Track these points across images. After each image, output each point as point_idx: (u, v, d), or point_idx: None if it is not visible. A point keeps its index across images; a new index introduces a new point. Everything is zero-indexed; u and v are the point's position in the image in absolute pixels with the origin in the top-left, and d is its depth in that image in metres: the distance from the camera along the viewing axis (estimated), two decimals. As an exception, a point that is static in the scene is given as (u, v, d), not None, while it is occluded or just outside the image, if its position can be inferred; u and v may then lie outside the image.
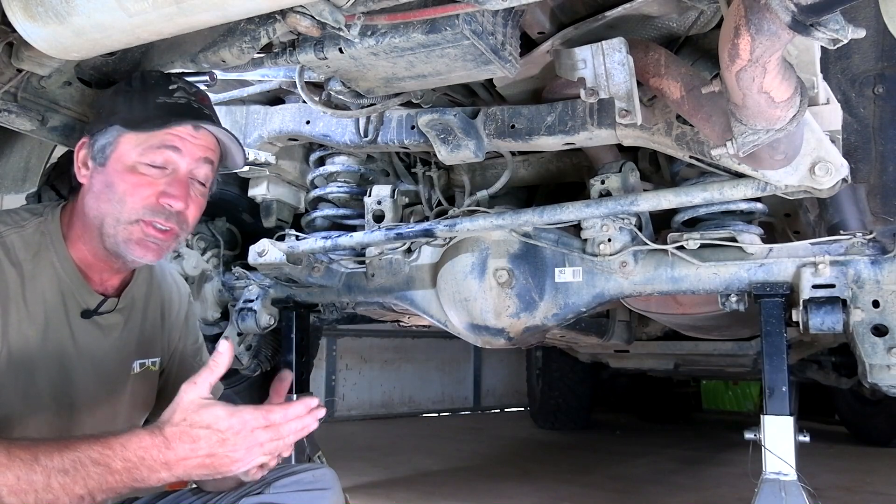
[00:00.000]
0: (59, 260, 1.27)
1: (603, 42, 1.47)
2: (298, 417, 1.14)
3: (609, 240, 1.92)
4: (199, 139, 1.29)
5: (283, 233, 2.35)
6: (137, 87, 1.30)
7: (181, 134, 1.27)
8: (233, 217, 2.75)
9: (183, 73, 1.46)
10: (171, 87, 1.30)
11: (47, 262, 1.25)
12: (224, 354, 1.11)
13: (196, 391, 1.08)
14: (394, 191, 2.25)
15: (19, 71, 1.43)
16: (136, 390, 1.42)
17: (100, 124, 1.28)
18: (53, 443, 1.01)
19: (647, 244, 1.89)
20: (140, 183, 1.24)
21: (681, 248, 1.86)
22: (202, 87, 1.63)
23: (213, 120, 1.33)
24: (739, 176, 1.65)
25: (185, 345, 1.56)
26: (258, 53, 1.39)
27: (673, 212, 1.90)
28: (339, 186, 2.36)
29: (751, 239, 1.82)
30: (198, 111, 1.30)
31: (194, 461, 1.05)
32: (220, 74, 1.65)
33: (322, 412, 1.17)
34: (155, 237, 1.25)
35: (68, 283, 1.27)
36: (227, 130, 1.34)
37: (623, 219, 1.90)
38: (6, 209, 1.31)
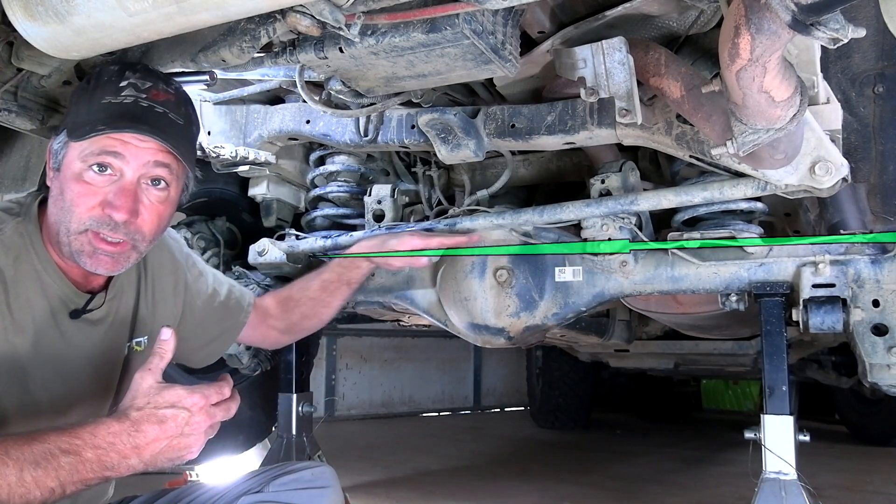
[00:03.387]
0: (41, 262, 1.24)
1: (603, 41, 1.47)
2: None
3: (609, 239, 1.92)
4: (147, 142, 1.21)
5: (283, 232, 2.35)
6: (91, 86, 1.24)
7: (124, 138, 1.19)
8: (233, 216, 2.75)
9: (183, 72, 1.46)
10: (120, 85, 1.22)
11: (29, 267, 1.22)
12: (168, 341, 1.14)
13: (152, 376, 1.10)
14: (394, 190, 2.25)
15: (19, 70, 1.43)
16: (126, 373, 1.41)
17: (58, 130, 1.25)
18: (23, 436, 1.01)
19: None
20: (84, 192, 1.19)
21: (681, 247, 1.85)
22: (202, 86, 1.63)
23: (158, 123, 1.22)
24: (739, 175, 1.65)
25: (196, 302, 1.57)
26: (258, 53, 1.39)
27: (673, 211, 1.90)
28: (339, 186, 2.36)
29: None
30: (144, 111, 1.21)
31: (163, 443, 1.05)
32: (220, 74, 1.64)
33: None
34: (105, 250, 1.21)
35: (52, 287, 1.24)
36: (176, 125, 1.25)
37: (623, 218, 1.90)
38: None
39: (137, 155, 1.21)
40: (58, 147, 1.23)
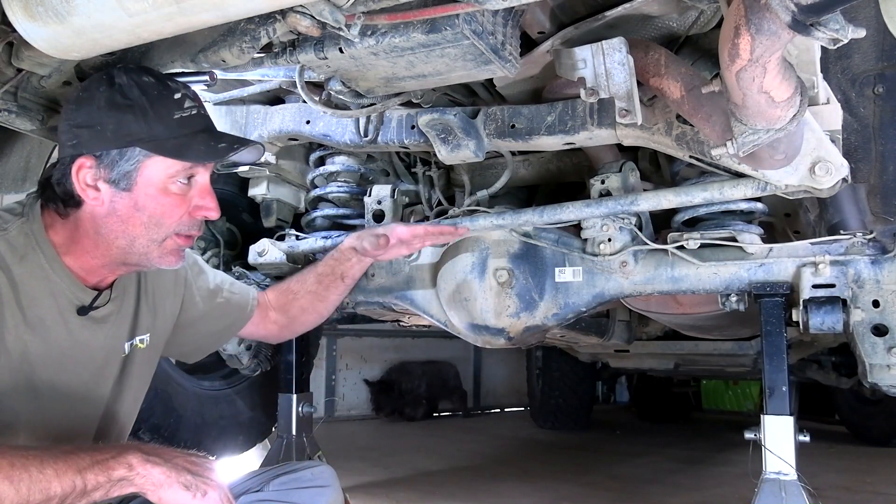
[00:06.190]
0: (48, 261, 1.26)
1: (603, 42, 1.47)
2: None
3: (609, 239, 1.92)
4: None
5: (283, 232, 2.35)
6: (140, 100, 1.24)
7: None
8: (233, 217, 2.75)
9: (183, 72, 1.46)
10: (176, 97, 1.28)
11: (36, 265, 1.24)
12: None
13: None
14: (394, 190, 2.25)
15: (19, 71, 1.43)
16: (128, 370, 1.43)
17: (105, 143, 1.22)
18: (43, 446, 1.07)
19: (647, 244, 1.89)
20: (175, 203, 1.28)
21: (681, 247, 1.85)
22: (202, 87, 1.64)
23: (220, 133, 1.38)
24: (739, 176, 1.65)
25: (195, 299, 1.62)
26: (258, 53, 1.39)
27: (673, 211, 1.90)
28: (339, 186, 2.36)
29: (751, 239, 1.82)
30: (208, 122, 1.35)
31: (181, 460, 1.11)
32: (220, 74, 1.64)
33: None
34: (186, 245, 1.34)
35: (59, 284, 1.26)
36: (240, 141, 1.36)
37: (623, 218, 1.90)
38: None
39: (209, 163, 1.35)
40: (129, 168, 1.24)
